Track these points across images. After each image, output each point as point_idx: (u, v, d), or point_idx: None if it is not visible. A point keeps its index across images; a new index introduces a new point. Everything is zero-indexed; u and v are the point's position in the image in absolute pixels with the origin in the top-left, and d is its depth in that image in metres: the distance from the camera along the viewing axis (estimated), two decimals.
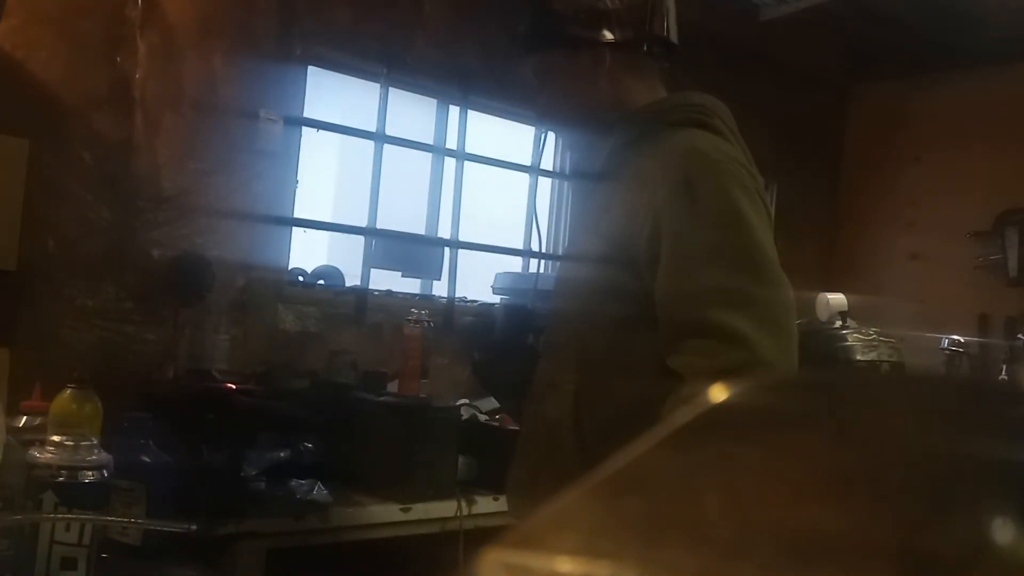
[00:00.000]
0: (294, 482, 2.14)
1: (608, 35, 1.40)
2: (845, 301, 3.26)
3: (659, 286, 1.20)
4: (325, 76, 3.07)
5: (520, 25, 1.47)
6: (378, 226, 3.14)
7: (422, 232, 3.39)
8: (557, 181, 3.76)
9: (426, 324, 2.64)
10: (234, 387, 2.36)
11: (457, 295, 3.33)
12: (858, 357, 3.07)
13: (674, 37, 1.48)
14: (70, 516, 1.13)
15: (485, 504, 2.34)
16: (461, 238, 3.36)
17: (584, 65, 1.41)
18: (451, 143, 3.40)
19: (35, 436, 1.44)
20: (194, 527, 1.23)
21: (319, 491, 2.14)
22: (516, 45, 1.49)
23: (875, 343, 3.12)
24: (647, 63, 1.45)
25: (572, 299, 1.40)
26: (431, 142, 3.42)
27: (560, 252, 1.48)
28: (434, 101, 3.44)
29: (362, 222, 3.15)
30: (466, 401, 2.78)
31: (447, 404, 2.53)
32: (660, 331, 1.21)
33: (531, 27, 1.45)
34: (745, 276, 1.17)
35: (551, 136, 1.57)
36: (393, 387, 2.66)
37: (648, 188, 1.25)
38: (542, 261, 3.63)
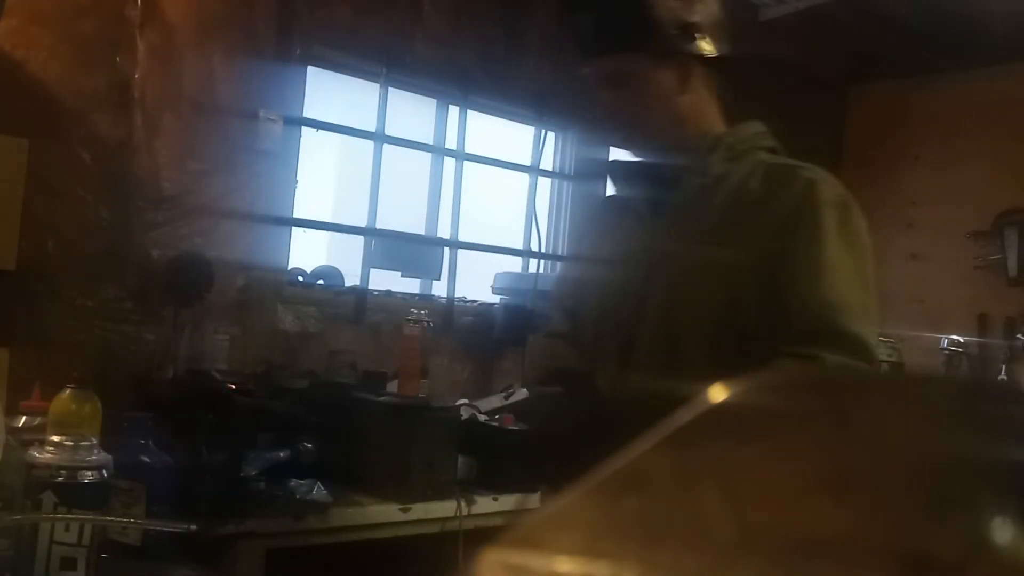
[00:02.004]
0: (294, 482, 2.14)
1: (699, 48, 1.39)
2: None
3: (799, 294, 1.28)
4: (325, 76, 3.07)
5: (593, 21, 1.40)
6: (378, 226, 3.14)
7: (422, 232, 3.40)
8: (558, 181, 3.76)
9: (426, 324, 2.64)
10: (234, 387, 2.36)
11: (457, 295, 3.33)
12: None
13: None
14: (70, 516, 1.13)
15: (485, 504, 2.34)
16: (461, 238, 3.36)
17: (671, 74, 1.39)
18: (451, 143, 3.40)
19: (34, 436, 1.44)
20: (194, 527, 1.23)
21: (319, 491, 2.14)
22: (586, 42, 1.42)
23: None
24: (717, 81, 1.45)
25: (689, 309, 1.36)
26: (431, 142, 3.42)
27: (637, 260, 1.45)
28: (434, 101, 3.44)
29: (362, 222, 3.15)
30: (466, 401, 2.78)
31: (447, 404, 2.53)
32: (784, 335, 1.27)
33: (613, 27, 1.39)
34: (872, 299, 1.31)
35: (608, 142, 1.57)
36: (393, 387, 2.66)
37: (780, 210, 1.31)
38: (541, 261, 3.63)
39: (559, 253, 3.70)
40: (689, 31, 1.38)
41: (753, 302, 1.30)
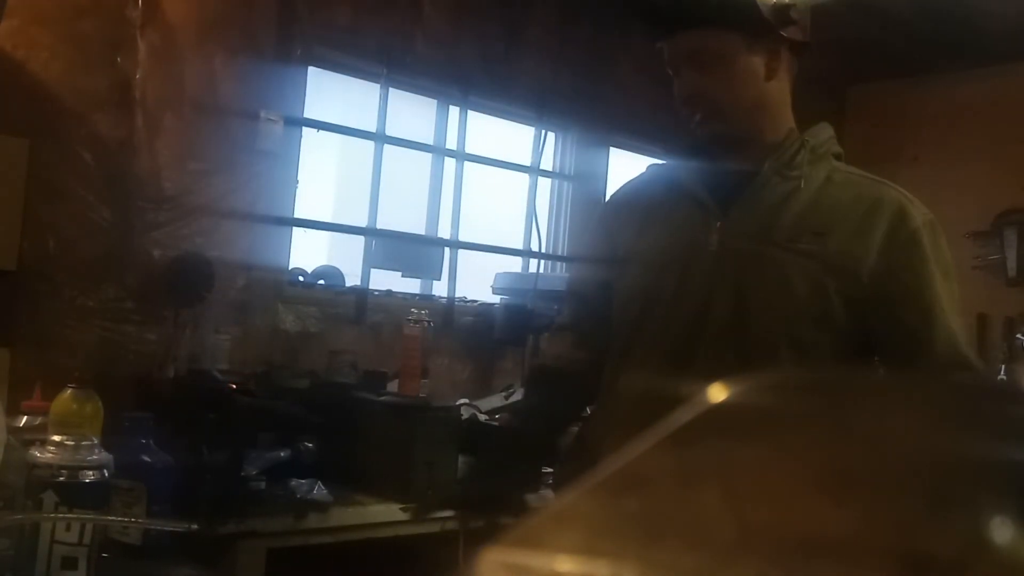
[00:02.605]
0: (294, 482, 2.15)
1: (791, 33, 1.30)
2: None
3: (915, 325, 1.28)
4: (325, 76, 3.07)
5: None
6: (378, 226, 3.14)
7: (422, 232, 3.40)
8: (558, 181, 3.77)
9: (426, 324, 2.64)
10: (234, 387, 2.37)
11: (457, 295, 3.33)
12: None
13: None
14: (71, 516, 1.13)
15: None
16: (461, 238, 3.36)
17: (761, 57, 1.29)
18: (451, 143, 3.40)
19: (36, 436, 1.44)
20: (194, 526, 1.23)
21: (319, 491, 2.14)
22: (667, 14, 1.31)
23: None
24: (797, 71, 1.37)
25: (768, 319, 1.28)
26: (431, 142, 3.42)
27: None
28: (434, 101, 3.44)
29: (362, 222, 3.15)
30: (466, 401, 2.78)
31: (447, 404, 2.53)
32: (904, 365, 1.27)
33: (704, 0, 1.29)
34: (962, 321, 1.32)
35: (695, 121, 1.35)
36: (393, 387, 2.66)
37: (872, 229, 1.28)
38: (541, 261, 3.63)
39: (559, 253, 3.70)
40: (785, 13, 1.29)
41: (840, 320, 1.26)
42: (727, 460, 0.26)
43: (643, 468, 0.27)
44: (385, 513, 2.20)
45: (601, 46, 3.66)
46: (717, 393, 0.29)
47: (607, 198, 1.88)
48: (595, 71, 3.64)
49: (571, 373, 1.48)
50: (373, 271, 3.13)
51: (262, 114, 2.79)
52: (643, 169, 1.55)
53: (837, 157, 1.38)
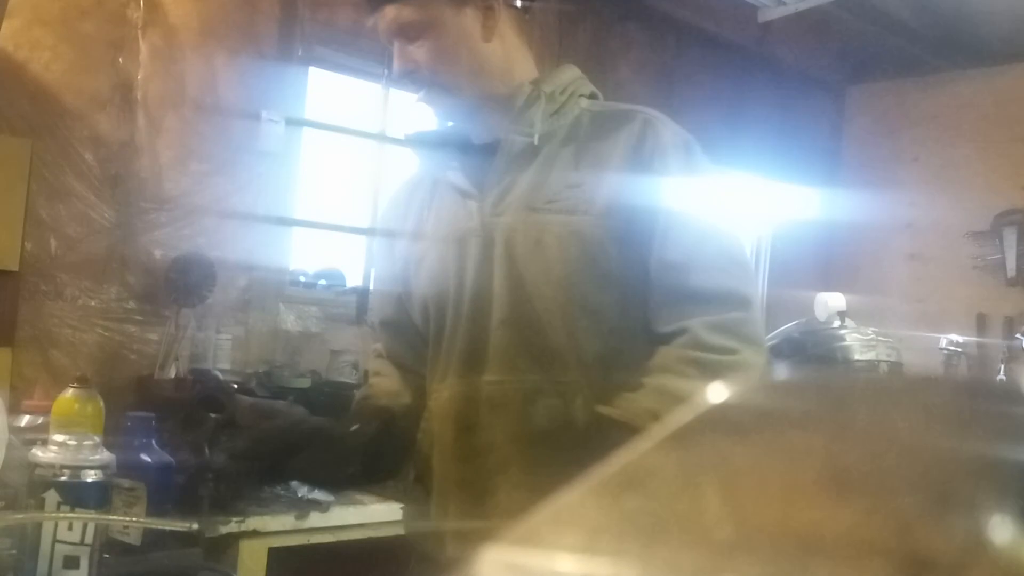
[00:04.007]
0: (295, 481, 2.15)
1: None
2: (844, 301, 3.26)
3: (663, 256, 1.12)
4: (326, 76, 3.07)
5: None
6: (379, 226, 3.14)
7: None
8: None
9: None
10: (236, 387, 2.37)
11: None
12: (856, 357, 3.07)
13: None
14: (72, 515, 1.13)
15: None
16: None
17: (472, 19, 1.19)
18: None
19: (37, 435, 1.44)
20: (195, 526, 1.23)
21: (319, 490, 2.14)
22: None
23: (873, 343, 3.12)
24: (525, 23, 1.26)
25: (548, 294, 1.15)
26: None
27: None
28: None
29: (362, 222, 3.15)
30: None
31: None
32: (651, 302, 1.13)
33: None
34: (732, 251, 1.17)
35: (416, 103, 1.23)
36: None
37: (618, 160, 1.15)
38: None
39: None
40: None
41: (622, 274, 1.13)
42: (727, 460, 0.26)
43: (643, 468, 0.27)
44: (385, 512, 2.20)
45: (601, 45, 3.65)
46: (717, 393, 0.29)
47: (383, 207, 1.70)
48: (595, 71, 3.63)
49: (398, 409, 1.29)
50: (374, 271, 3.13)
51: (263, 114, 2.79)
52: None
53: (593, 97, 1.26)
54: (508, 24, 1.22)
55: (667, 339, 1.11)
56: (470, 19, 1.19)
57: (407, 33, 1.19)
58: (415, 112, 1.31)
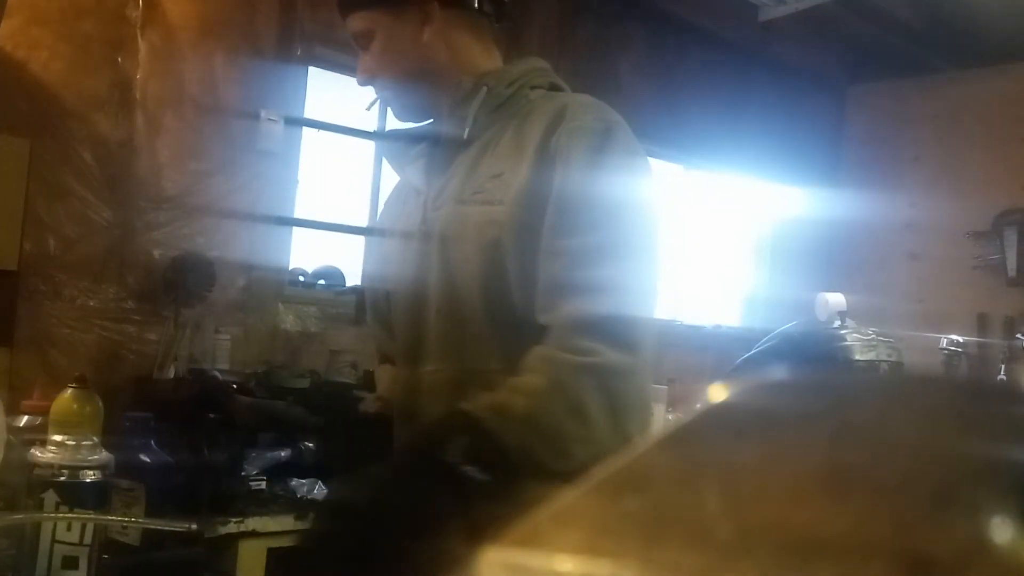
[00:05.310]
0: (295, 481, 2.15)
1: None
2: (844, 301, 3.27)
3: (548, 245, 1.10)
4: (326, 76, 3.07)
5: None
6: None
7: None
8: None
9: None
10: (235, 387, 2.37)
11: None
12: (857, 357, 3.07)
13: None
14: (71, 515, 1.13)
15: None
16: None
17: (411, 23, 1.24)
18: None
19: (36, 436, 1.44)
20: (194, 526, 1.23)
21: (320, 490, 2.14)
22: (339, 5, 1.29)
23: (874, 343, 3.12)
24: (480, 21, 1.28)
25: (465, 288, 1.16)
26: None
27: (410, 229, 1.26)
28: None
29: (362, 222, 3.15)
30: None
31: None
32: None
33: None
34: (634, 230, 1.13)
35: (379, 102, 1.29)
36: None
37: (528, 149, 1.13)
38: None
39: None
40: None
41: (526, 264, 1.11)
42: (727, 460, 0.26)
43: (643, 468, 0.27)
44: None
45: (601, 45, 3.65)
46: (717, 393, 0.29)
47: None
48: (595, 71, 3.63)
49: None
50: None
51: (263, 114, 2.79)
52: None
53: (553, 89, 1.26)
54: (454, 25, 1.26)
55: (544, 332, 1.09)
56: (410, 25, 1.24)
57: (360, 43, 1.27)
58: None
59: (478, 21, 1.28)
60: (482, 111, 1.21)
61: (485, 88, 1.22)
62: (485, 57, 1.28)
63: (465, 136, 1.20)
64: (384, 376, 1.39)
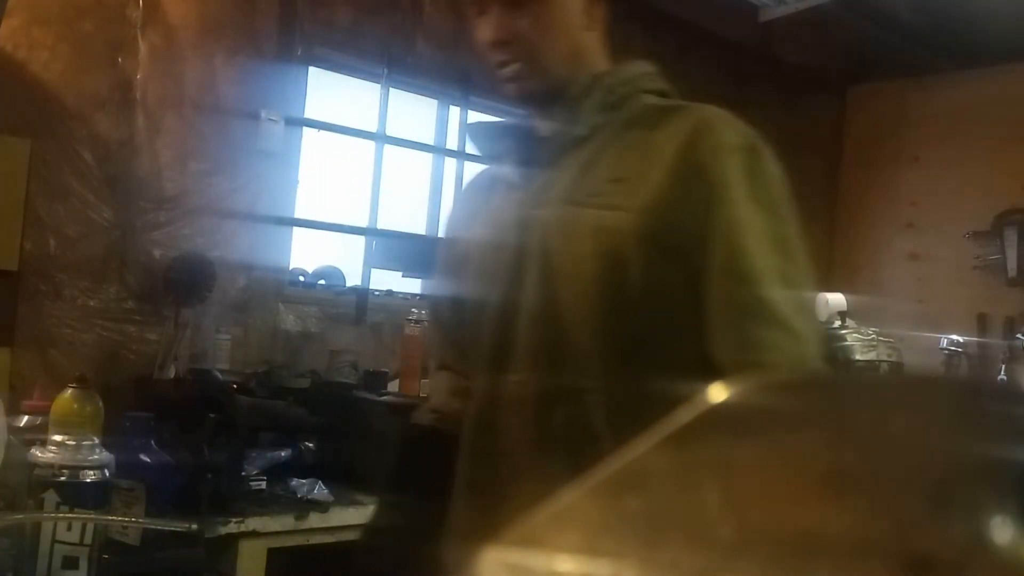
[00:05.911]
0: (295, 481, 2.15)
1: None
2: (844, 301, 3.27)
3: (704, 266, 1.03)
4: (326, 76, 3.07)
5: None
6: (379, 226, 3.14)
7: (422, 232, 3.40)
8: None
9: (426, 324, 2.64)
10: (235, 387, 2.37)
11: None
12: (857, 357, 3.07)
13: None
14: (71, 515, 1.13)
15: None
16: None
17: (579, 4, 1.13)
18: (451, 143, 3.40)
19: (36, 436, 1.44)
20: (194, 526, 1.23)
21: (320, 490, 2.14)
22: None
23: (874, 343, 3.12)
24: (609, 18, 1.19)
25: (572, 293, 1.07)
26: (431, 142, 3.43)
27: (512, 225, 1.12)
28: (434, 101, 3.44)
29: (363, 222, 3.15)
30: None
31: None
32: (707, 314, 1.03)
33: None
34: (795, 263, 1.06)
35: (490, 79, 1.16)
36: (393, 387, 2.66)
37: (667, 159, 1.06)
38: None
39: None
40: None
41: (658, 279, 1.04)
42: (727, 460, 0.26)
43: (643, 468, 0.27)
44: None
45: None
46: (717, 393, 0.29)
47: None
48: None
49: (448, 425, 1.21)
50: (374, 271, 3.13)
51: (263, 114, 2.79)
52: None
53: (663, 94, 1.18)
54: (600, 17, 1.17)
55: (730, 368, 0.99)
56: (579, 2, 1.13)
57: (512, 2, 1.11)
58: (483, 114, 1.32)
59: (610, 20, 1.18)
60: (595, 109, 1.13)
61: (599, 87, 1.13)
62: (601, 54, 1.19)
63: (583, 133, 1.12)
64: (440, 384, 1.30)
